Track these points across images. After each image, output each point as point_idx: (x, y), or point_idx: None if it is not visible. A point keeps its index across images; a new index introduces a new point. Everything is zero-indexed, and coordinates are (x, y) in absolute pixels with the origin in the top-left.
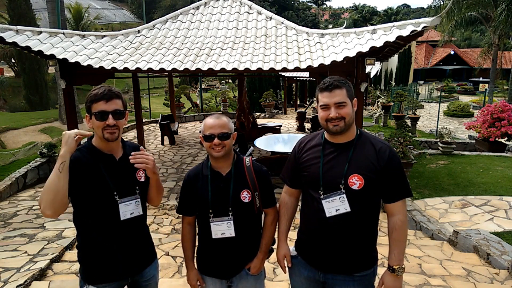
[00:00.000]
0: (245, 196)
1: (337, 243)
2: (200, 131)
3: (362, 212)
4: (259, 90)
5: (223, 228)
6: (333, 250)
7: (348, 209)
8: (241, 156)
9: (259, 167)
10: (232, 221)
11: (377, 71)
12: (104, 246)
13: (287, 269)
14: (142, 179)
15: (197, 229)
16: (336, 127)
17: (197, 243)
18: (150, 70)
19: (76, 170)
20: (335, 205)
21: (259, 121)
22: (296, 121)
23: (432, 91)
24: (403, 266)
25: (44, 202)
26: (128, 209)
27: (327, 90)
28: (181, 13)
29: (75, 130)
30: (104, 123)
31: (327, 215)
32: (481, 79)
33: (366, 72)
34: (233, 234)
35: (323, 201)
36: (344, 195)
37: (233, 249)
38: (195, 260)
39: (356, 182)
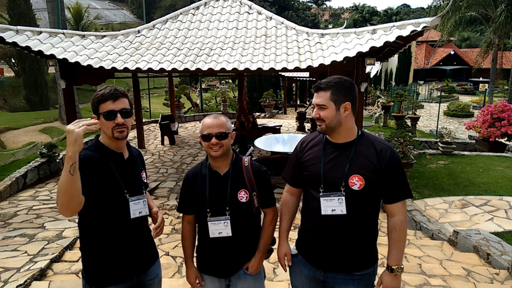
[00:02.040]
0: (243, 196)
1: (336, 242)
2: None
3: (361, 212)
4: (259, 90)
5: (220, 228)
6: (333, 249)
7: (344, 212)
8: (240, 156)
9: (257, 167)
10: (229, 221)
11: (377, 71)
12: (115, 245)
13: (287, 267)
14: (145, 180)
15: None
16: (319, 127)
17: (196, 242)
18: (150, 70)
19: (86, 169)
20: (332, 205)
21: (259, 121)
22: (296, 121)
23: (432, 91)
24: (402, 266)
25: (60, 204)
26: (137, 207)
27: (314, 90)
28: (181, 13)
29: (83, 126)
30: (114, 122)
31: (322, 213)
32: (481, 79)
33: (366, 72)
34: (229, 234)
35: (321, 198)
36: (343, 197)
37: (230, 248)
38: (194, 259)
39: (356, 182)
